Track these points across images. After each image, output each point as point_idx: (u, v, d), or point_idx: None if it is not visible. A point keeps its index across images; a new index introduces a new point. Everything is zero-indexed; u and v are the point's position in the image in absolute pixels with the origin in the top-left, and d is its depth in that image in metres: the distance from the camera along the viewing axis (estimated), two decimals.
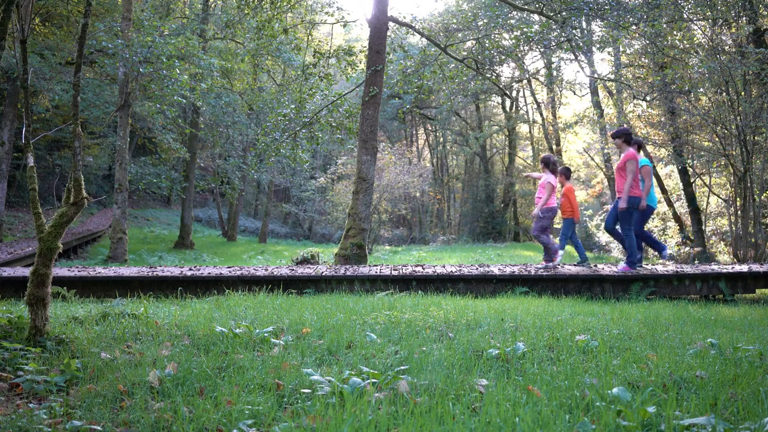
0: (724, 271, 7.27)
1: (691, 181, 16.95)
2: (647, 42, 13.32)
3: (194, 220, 28.14)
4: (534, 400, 2.44)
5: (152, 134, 20.04)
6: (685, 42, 13.59)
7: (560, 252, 8.11)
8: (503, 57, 14.34)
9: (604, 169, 24.81)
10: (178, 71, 13.96)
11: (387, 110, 30.09)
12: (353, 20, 13.67)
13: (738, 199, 13.64)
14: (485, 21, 12.68)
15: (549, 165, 8.08)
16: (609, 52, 17.44)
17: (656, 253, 7.93)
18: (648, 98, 16.11)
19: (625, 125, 7.44)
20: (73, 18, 17.52)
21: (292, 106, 13.00)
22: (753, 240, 12.81)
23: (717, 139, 13.84)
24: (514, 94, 31.23)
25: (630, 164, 7.21)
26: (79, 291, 6.89)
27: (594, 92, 23.09)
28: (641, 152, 7.81)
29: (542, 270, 7.40)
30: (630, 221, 7.32)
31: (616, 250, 20.65)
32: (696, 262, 14.44)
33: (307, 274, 7.05)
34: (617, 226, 7.66)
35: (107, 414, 2.38)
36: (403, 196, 26.94)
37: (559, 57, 18.43)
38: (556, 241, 9.02)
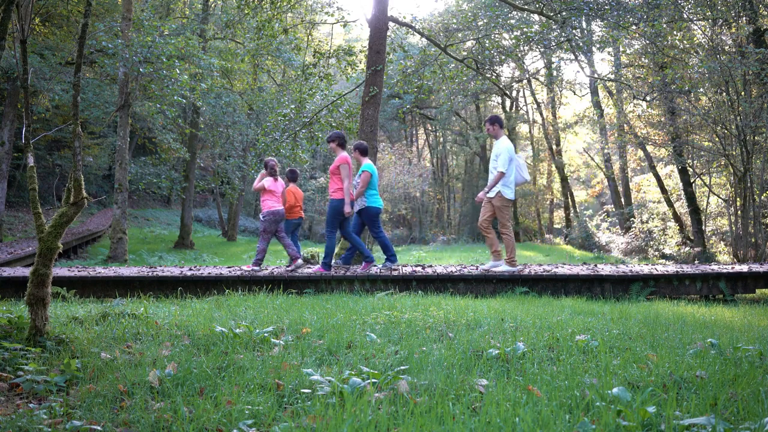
0: (724, 271, 7.27)
1: (691, 181, 16.96)
2: (647, 42, 13.32)
3: (194, 220, 28.16)
4: (534, 400, 2.44)
5: (152, 134, 20.04)
6: (685, 42, 13.59)
7: (299, 256, 8.05)
8: (503, 57, 14.34)
9: (604, 169, 24.82)
10: (178, 71, 13.96)
11: (387, 110, 30.08)
12: (353, 20, 13.66)
13: (738, 199, 13.64)
14: (485, 21, 12.68)
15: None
16: (609, 52, 17.45)
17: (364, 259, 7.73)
18: (648, 98, 16.11)
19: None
20: (73, 18, 17.53)
21: (292, 106, 13.00)
22: (753, 240, 12.82)
23: (717, 139, 13.85)
24: (514, 94, 31.24)
25: (343, 168, 7.28)
26: (79, 291, 6.89)
27: (594, 92, 23.11)
28: (366, 157, 7.68)
29: (287, 272, 7.34)
30: (333, 224, 7.41)
31: (616, 250, 20.66)
32: (696, 261, 14.43)
33: (307, 274, 7.05)
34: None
35: (107, 414, 2.38)
36: (403, 196, 26.96)
37: (559, 57, 18.44)
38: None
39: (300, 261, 7.99)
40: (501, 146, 7.17)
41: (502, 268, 7.23)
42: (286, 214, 8.37)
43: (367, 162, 7.62)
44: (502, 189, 7.14)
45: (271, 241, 8.18)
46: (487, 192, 7.18)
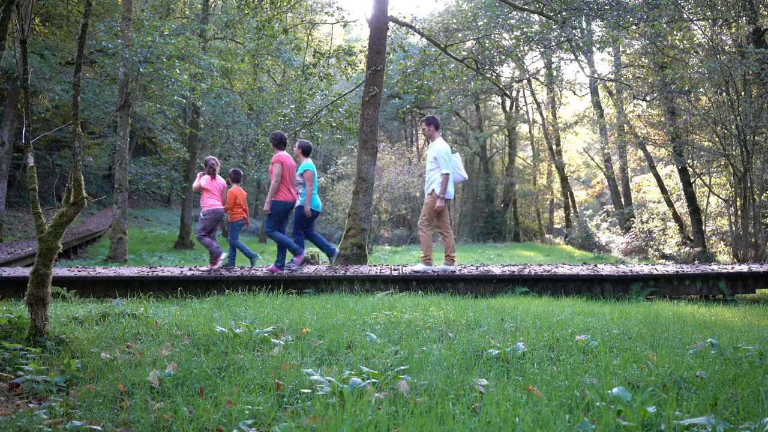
0: (724, 271, 7.27)
1: (691, 181, 16.96)
2: (647, 42, 13.32)
3: (194, 220, 28.11)
4: (534, 400, 2.44)
5: (152, 134, 20.03)
6: (685, 42, 13.59)
7: (223, 255, 8.06)
8: (503, 57, 14.34)
9: (604, 169, 24.82)
10: (178, 71, 13.95)
11: (387, 110, 30.09)
12: (353, 20, 13.67)
13: (738, 199, 13.64)
14: (485, 21, 12.68)
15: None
16: (609, 52, 17.45)
17: (325, 254, 7.82)
18: (648, 98, 16.11)
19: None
20: (73, 18, 17.53)
21: (292, 106, 13.00)
22: (753, 240, 12.82)
23: (717, 139, 13.85)
24: (514, 94, 31.24)
25: (275, 167, 7.31)
26: (79, 291, 6.89)
27: (594, 92, 23.11)
28: (307, 157, 7.71)
29: (207, 272, 7.34)
30: (273, 223, 7.49)
31: (616, 250, 20.66)
32: (696, 261, 14.44)
33: (307, 274, 7.06)
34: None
35: (107, 414, 2.38)
36: (403, 196, 26.95)
37: (559, 57, 18.44)
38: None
39: (220, 263, 7.95)
40: (437, 148, 7.23)
41: (420, 267, 7.29)
42: (229, 216, 8.42)
43: (307, 161, 7.65)
44: (437, 188, 7.18)
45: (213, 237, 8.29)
46: (441, 196, 7.17)
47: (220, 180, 8.36)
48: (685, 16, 13.10)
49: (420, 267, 7.25)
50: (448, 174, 7.09)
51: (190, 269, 7.94)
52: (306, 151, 7.75)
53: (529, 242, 28.37)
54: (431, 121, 7.41)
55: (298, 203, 7.57)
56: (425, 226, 7.31)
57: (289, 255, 8.02)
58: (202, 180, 8.14)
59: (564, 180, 28.59)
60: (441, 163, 7.13)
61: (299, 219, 7.63)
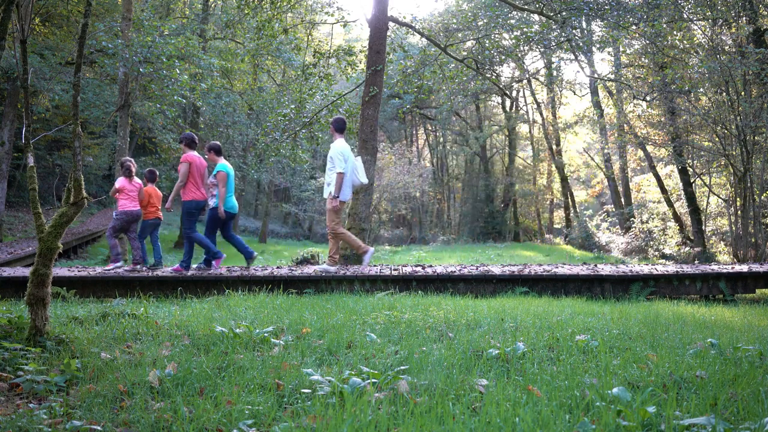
0: (724, 271, 7.27)
1: (691, 181, 16.96)
2: (647, 42, 13.32)
3: None
4: (534, 400, 2.44)
5: (152, 134, 20.03)
6: (685, 42, 13.59)
7: (119, 263, 8.00)
8: (503, 57, 14.34)
9: (604, 169, 24.82)
10: (178, 71, 13.95)
11: (387, 110, 30.08)
12: (353, 20, 13.68)
13: (738, 199, 13.65)
14: (485, 21, 12.68)
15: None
16: (609, 52, 17.45)
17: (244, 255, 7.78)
18: (648, 98, 16.11)
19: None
20: (73, 18, 17.52)
21: (292, 106, 13.00)
22: (753, 240, 12.82)
23: (717, 139, 13.85)
24: (514, 94, 31.23)
25: (182, 166, 7.35)
26: (79, 291, 6.89)
27: (594, 92, 23.11)
28: (220, 157, 7.68)
29: (112, 271, 7.33)
30: (191, 224, 7.48)
31: (616, 250, 20.67)
32: (696, 261, 14.43)
33: (307, 274, 7.05)
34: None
35: (107, 414, 2.38)
36: (403, 196, 26.96)
37: (559, 57, 18.43)
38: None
39: (113, 266, 7.89)
40: (334, 147, 7.30)
41: (323, 266, 7.35)
42: (142, 214, 8.42)
43: (221, 162, 7.64)
44: (333, 190, 7.24)
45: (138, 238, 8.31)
46: (337, 196, 7.25)
47: (137, 181, 8.36)
48: (685, 16, 13.10)
49: (325, 267, 7.34)
50: (341, 173, 7.17)
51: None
52: (217, 152, 7.71)
53: (529, 242, 28.36)
54: (335, 122, 7.50)
55: (211, 204, 7.53)
56: (336, 228, 7.38)
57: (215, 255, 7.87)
58: (117, 182, 8.16)
59: (564, 180, 28.59)
60: (335, 163, 7.22)
61: (211, 221, 7.59)
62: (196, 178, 7.46)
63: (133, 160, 8.43)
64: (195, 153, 7.62)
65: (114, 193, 8.17)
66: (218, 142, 7.89)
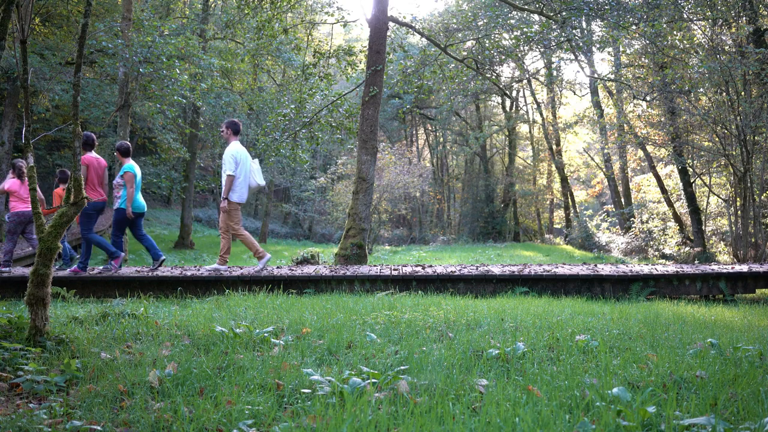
0: (724, 271, 7.27)
1: (691, 181, 16.96)
2: (647, 42, 13.32)
3: (194, 220, 28.16)
4: (534, 400, 2.44)
5: (152, 134, 20.03)
6: (685, 42, 13.58)
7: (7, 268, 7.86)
8: (503, 57, 14.34)
9: (604, 169, 24.81)
10: (178, 71, 13.95)
11: (387, 110, 30.06)
12: (353, 20, 13.67)
13: (738, 199, 13.65)
14: (485, 21, 12.68)
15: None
16: (609, 52, 17.43)
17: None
18: (648, 98, 16.10)
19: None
20: (73, 18, 17.51)
21: (292, 106, 12.99)
22: (753, 240, 12.82)
23: (717, 139, 13.85)
24: (514, 94, 31.22)
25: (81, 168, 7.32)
26: (79, 291, 6.89)
27: (594, 92, 23.10)
28: (127, 158, 7.67)
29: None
30: (88, 224, 7.44)
31: (616, 250, 20.66)
32: (696, 261, 14.43)
33: (307, 274, 7.05)
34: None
35: (107, 414, 2.38)
36: (403, 196, 26.94)
37: (559, 57, 18.43)
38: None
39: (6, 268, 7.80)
40: (227, 150, 7.38)
41: (213, 266, 7.40)
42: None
43: (128, 162, 7.66)
44: (223, 192, 7.34)
45: (18, 241, 8.24)
46: (226, 197, 7.36)
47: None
48: (685, 16, 13.10)
49: (215, 266, 7.38)
50: (231, 176, 7.27)
51: (191, 269, 7.94)
52: (124, 153, 7.71)
53: (529, 242, 28.35)
54: (229, 124, 7.56)
55: (117, 205, 7.52)
56: (230, 230, 7.43)
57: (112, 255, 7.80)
58: (6, 183, 8.08)
59: (564, 180, 28.59)
60: (226, 165, 7.32)
61: (118, 221, 7.58)
62: (93, 180, 7.42)
63: (24, 162, 8.31)
64: (93, 154, 7.56)
65: (2, 193, 8.10)
66: (126, 142, 7.86)
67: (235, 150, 7.36)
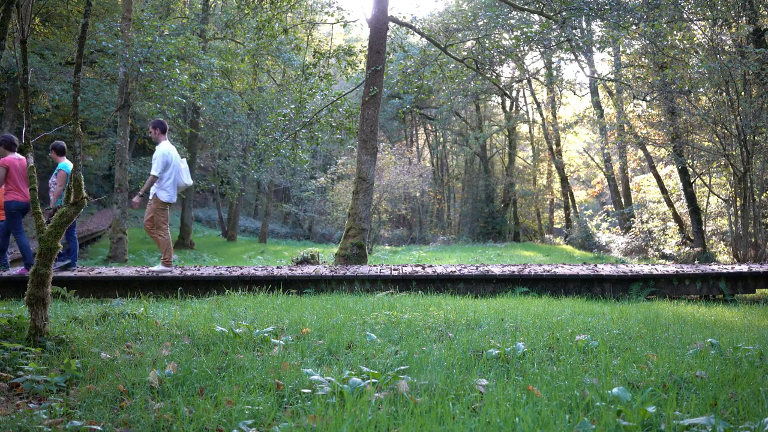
0: (724, 271, 7.27)
1: (691, 181, 16.96)
2: (647, 42, 13.32)
3: (194, 220, 28.15)
4: (534, 400, 2.44)
5: None
6: (685, 42, 13.59)
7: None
8: (503, 57, 14.34)
9: (604, 169, 24.82)
10: (178, 71, 13.95)
11: (387, 110, 30.06)
12: (353, 20, 13.66)
13: (738, 199, 13.65)
14: (485, 21, 12.69)
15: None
16: (609, 52, 17.44)
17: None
18: (648, 98, 16.10)
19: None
20: (73, 18, 17.52)
21: (292, 106, 13.00)
22: (753, 240, 12.82)
23: (717, 139, 13.85)
24: (514, 94, 31.22)
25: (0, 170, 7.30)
26: (79, 291, 6.89)
27: (594, 92, 23.10)
28: (62, 157, 7.64)
29: None
30: (15, 225, 7.40)
31: (616, 250, 20.66)
32: (696, 261, 14.43)
33: (307, 274, 7.05)
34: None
35: (107, 414, 2.38)
36: (403, 196, 26.93)
37: (559, 57, 18.44)
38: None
39: None
40: (157, 150, 7.43)
41: (158, 267, 7.42)
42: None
43: (63, 161, 7.66)
44: (158, 192, 7.39)
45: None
46: (142, 195, 7.44)
47: None
48: (685, 16, 13.10)
49: (160, 267, 7.41)
50: (155, 176, 7.34)
51: (191, 269, 7.94)
52: (59, 152, 7.71)
53: (529, 242, 28.35)
54: (156, 124, 7.62)
55: (53, 204, 7.50)
56: (158, 229, 7.47)
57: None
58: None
59: (564, 180, 28.59)
60: (153, 164, 7.41)
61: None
62: (16, 180, 7.36)
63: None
64: (14, 155, 7.46)
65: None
66: (62, 142, 7.82)
67: (165, 150, 7.43)
